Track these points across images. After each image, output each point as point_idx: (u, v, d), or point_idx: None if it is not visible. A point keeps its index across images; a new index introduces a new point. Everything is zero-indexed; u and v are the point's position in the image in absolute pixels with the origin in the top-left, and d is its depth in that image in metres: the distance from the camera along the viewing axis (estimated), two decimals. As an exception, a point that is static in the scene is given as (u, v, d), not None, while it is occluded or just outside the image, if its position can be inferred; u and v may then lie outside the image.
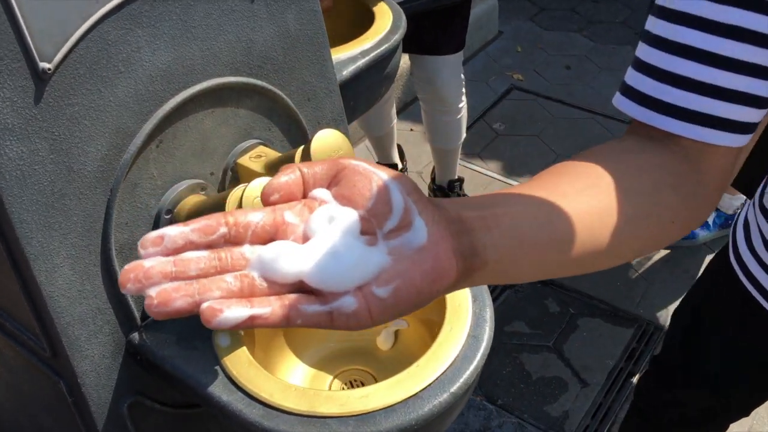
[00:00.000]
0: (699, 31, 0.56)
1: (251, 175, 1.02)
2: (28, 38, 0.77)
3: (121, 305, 0.98)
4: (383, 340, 1.17)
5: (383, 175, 0.47)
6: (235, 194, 0.89)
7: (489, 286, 1.04)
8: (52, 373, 1.00)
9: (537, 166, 2.58)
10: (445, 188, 2.30)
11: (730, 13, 0.54)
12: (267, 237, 0.46)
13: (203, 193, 1.03)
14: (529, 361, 1.90)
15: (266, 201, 0.47)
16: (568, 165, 0.60)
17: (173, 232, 0.44)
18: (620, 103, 0.63)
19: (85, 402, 0.99)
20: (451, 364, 0.94)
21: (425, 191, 2.49)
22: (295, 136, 1.13)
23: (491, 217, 0.50)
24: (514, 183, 2.52)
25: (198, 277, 0.44)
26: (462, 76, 2.04)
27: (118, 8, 0.84)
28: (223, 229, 0.45)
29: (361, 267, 0.45)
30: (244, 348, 0.97)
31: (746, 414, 1.13)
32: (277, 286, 0.45)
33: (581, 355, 1.90)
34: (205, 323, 0.43)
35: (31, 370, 1.08)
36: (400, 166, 2.37)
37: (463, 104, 2.09)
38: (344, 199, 0.47)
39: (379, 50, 1.38)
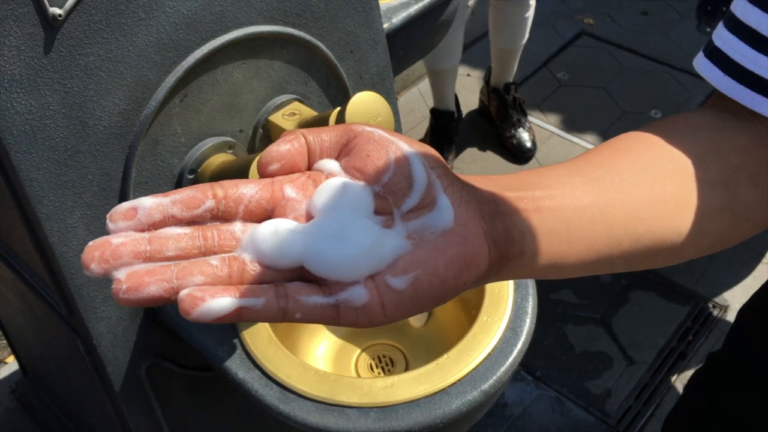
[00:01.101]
0: None
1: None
2: (36, -20, 0.69)
3: (140, 267, 0.93)
4: (417, 316, 1.10)
5: (402, 144, 0.39)
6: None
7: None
8: (69, 329, 0.97)
9: (601, 122, 2.42)
10: (501, 90, 2.28)
11: None
12: (263, 214, 0.39)
13: (231, 152, 0.95)
14: (574, 333, 1.81)
15: (264, 172, 0.40)
16: (631, 139, 0.50)
17: (149, 203, 0.38)
18: (702, 67, 0.52)
19: (101, 362, 0.96)
20: (484, 359, 0.86)
21: (478, 98, 2.39)
22: (334, 92, 1.03)
23: (531, 199, 0.42)
24: (576, 140, 2.37)
25: (177, 258, 0.37)
26: None
27: (138, -53, 0.75)
28: (210, 203, 0.38)
29: (375, 252, 0.37)
30: (266, 324, 0.91)
31: None
32: (273, 273, 0.37)
33: (630, 330, 1.80)
34: (183, 314, 0.35)
35: (53, 321, 1.06)
36: (455, 114, 2.25)
37: (534, 2, 2.11)
38: (356, 172, 0.39)
39: (433, -3, 1.25)
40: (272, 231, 0.37)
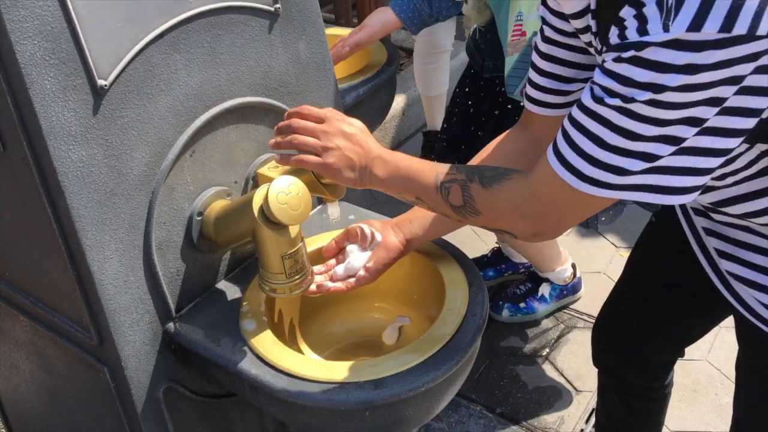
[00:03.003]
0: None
1: (270, 182, 1.16)
2: (90, 59, 0.92)
3: (160, 297, 1.11)
4: (388, 336, 1.30)
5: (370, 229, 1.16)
6: (260, 192, 1.03)
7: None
8: (96, 361, 1.12)
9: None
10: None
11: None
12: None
13: (229, 198, 1.17)
14: (525, 372, 2.01)
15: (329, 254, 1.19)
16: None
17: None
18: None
19: (126, 386, 1.10)
20: (452, 337, 1.06)
21: None
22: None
23: (408, 220, 1.16)
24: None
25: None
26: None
27: (160, 36, 1.00)
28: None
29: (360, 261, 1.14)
30: (269, 331, 1.10)
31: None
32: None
33: (573, 364, 2.02)
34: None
35: (72, 365, 1.20)
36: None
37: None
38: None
39: (377, 80, 1.55)
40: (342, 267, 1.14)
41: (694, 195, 0.76)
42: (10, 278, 1.20)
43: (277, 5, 1.14)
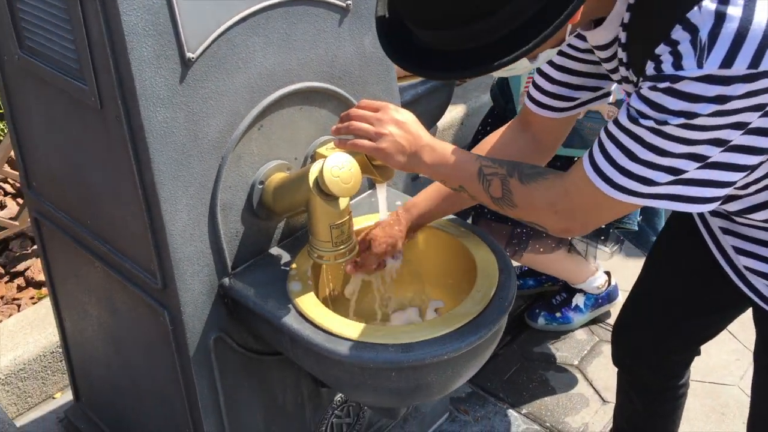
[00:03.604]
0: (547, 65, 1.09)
1: (326, 160, 1.28)
2: (182, 34, 1.06)
3: (219, 253, 1.23)
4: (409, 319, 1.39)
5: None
6: (317, 165, 1.15)
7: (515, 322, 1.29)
8: (158, 305, 1.25)
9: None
10: None
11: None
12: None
13: (288, 171, 1.29)
14: (555, 379, 2.06)
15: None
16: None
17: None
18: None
19: (182, 331, 1.23)
20: (479, 315, 1.15)
21: None
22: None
23: (413, 204, 1.27)
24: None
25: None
26: None
27: (243, 19, 1.13)
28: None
29: None
30: (312, 293, 1.21)
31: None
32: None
33: (603, 376, 2.06)
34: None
35: (137, 309, 1.34)
36: None
37: None
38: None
39: (435, 83, 1.65)
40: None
41: (716, 204, 0.84)
42: (91, 226, 1.34)
43: (349, 1, 1.26)
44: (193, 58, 1.08)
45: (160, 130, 1.08)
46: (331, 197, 1.15)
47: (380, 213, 1.29)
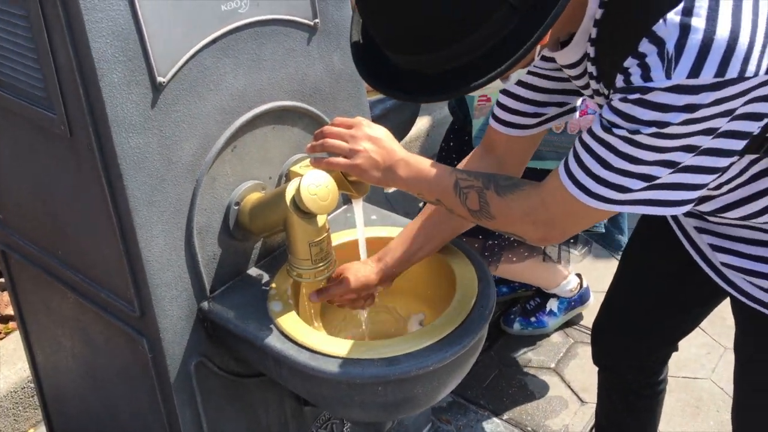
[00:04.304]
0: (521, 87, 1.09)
1: (301, 179, 1.28)
2: (152, 58, 1.05)
3: (197, 277, 1.22)
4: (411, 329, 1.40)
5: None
6: (293, 183, 1.15)
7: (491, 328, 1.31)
8: (136, 333, 1.23)
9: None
10: None
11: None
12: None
13: (263, 191, 1.29)
14: (533, 383, 2.09)
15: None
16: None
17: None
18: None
19: (162, 357, 1.21)
20: (461, 324, 1.16)
21: None
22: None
23: (386, 251, 1.25)
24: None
25: None
26: None
27: (212, 42, 1.13)
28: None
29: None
30: (293, 312, 1.20)
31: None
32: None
33: (580, 377, 2.09)
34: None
35: (113, 339, 1.32)
36: None
37: None
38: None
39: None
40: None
41: (689, 206, 0.86)
42: (62, 256, 1.32)
43: (316, 20, 1.27)
44: (163, 82, 1.08)
45: (133, 156, 1.07)
46: (308, 215, 1.15)
47: (357, 228, 1.29)
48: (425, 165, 1.07)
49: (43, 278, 1.39)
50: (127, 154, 1.07)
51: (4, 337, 1.98)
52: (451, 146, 2.00)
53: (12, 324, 2.01)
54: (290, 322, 1.18)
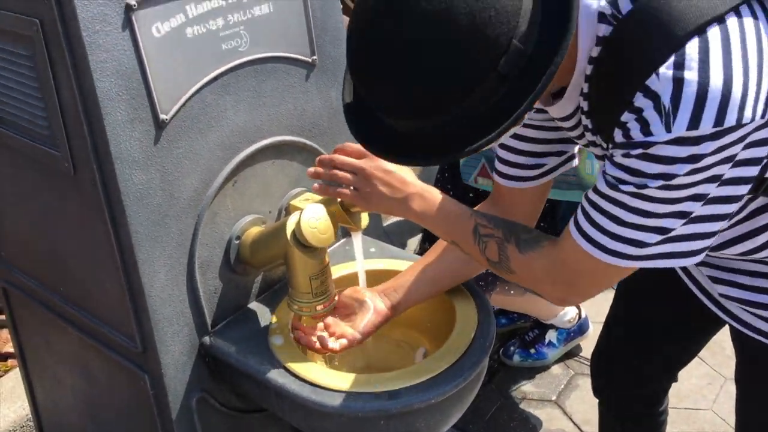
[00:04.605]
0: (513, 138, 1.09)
1: (301, 212, 1.29)
2: (155, 96, 1.07)
3: (198, 311, 1.22)
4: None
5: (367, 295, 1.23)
6: (293, 217, 1.16)
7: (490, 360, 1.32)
8: (138, 369, 1.23)
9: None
10: None
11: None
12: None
13: (263, 225, 1.30)
14: (534, 416, 2.07)
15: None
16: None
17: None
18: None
19: (164, 393, 1.21)
20: (462, 356, 1.16)
21: None
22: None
23: (396, 286, 1.23)
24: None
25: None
26: None
27: (214, 79, 1.15)
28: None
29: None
30: (295, 346, 1.21)
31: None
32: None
33: (581, 409, 2.08)
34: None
35: (115, 375, 1.31)
36: None
37: None
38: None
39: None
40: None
41: (704, 254, 0.87)
42: (64, 293, 1.32)
43: (314, 57, 1.29)
44: (166, 119, 1.10)
45: (136, 193, 1.09)
46: (309, 248, 1.16)
47: (357, 261, 1.30)
48: (442, 203, 1.04)
49: (45, 315, 1.40)
50: (130, 190, 1.08)
51: (2, 375, 1.97)
52: (446, 177, 2.02)
53: (11, 362, 2.00)
54: (291, 356, 1.18)
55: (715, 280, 1.07)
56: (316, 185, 1.13)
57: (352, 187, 1.08)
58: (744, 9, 0.79)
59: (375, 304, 1.21)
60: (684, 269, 1.13)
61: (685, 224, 0.82)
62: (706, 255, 1.08)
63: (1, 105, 1.21)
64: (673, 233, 0.83)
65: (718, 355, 2.17)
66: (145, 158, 1.09)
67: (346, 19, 1.41)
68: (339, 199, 1.14)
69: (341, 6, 1.37)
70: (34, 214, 1.30)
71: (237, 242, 1.26)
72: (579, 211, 0.89)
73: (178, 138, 1.13)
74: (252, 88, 1.22)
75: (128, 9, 1.01)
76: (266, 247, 1.24)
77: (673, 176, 0.78)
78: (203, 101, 1.15)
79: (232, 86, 1.18)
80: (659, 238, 0.83)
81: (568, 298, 0.98)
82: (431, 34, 0.74)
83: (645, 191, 0.80)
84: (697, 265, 1.10)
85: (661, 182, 0.78)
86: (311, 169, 1.13)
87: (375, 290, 1.24)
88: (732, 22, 0.77)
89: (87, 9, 0.97)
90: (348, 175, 1.08)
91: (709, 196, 0.81)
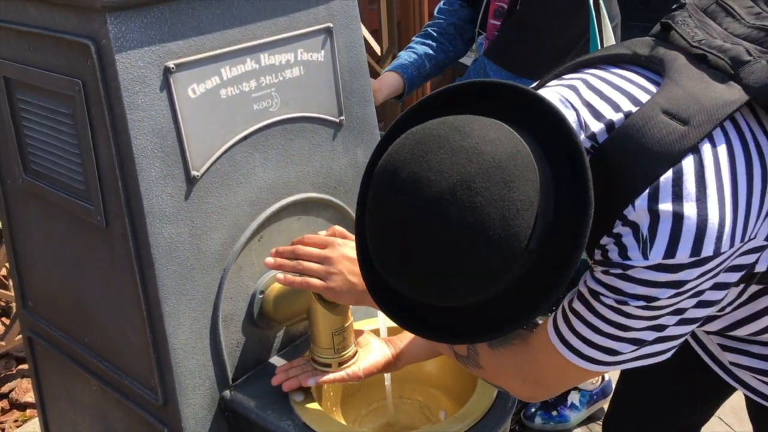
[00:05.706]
0: None
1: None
2: (188, 154, 1.11)
3: (220, 365, 1.23)
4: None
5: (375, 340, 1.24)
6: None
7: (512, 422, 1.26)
8: (158, 422, 1.23)
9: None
10: None
11: None
12: None
13: (288, 281, 1.31)
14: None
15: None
16: None
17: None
18: None
19: (183, 448, 1.21)
20: (482, 417, 1.15)
21: None
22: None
23: (402, 337, 1.23)
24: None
25: None
26: None
27: (244, 138, 1.19)
28: None
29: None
30: (315, 402, 1.20)
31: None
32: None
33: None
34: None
35: (135, 427, 1.31)
36: None
37: None
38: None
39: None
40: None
41: (674, 351, 0.88)
42: (88, 343, 1.34)
43: (342, 117, 1.33)
44: (198, 176, 1.13)
45: (165, 246, 1.11)
46: (332, 304, 1.17)
47: (379, 317, 1.31)
48: None
49: (67, 365, 1.41)
50: (159, 244, 1.10)
51: (21, 425, 1.97)
52: None
53: (30, 412, 2.00)
54: (312, 413, 1.18)
55: (726, 348, 1.06)
56: (280, 276, 1.14)
57: (317, 279, 1.08)
58: (718, 135, 0.79)
59: (380, 348, 1.23)
60: (694, 337, 1.13)
61: (659, 334, 0.83)
62: (715, 335, 1.07)
63: (39, 160, 1.25)
64: (647, 342, 0.84)
65: (740, 414, 2.12)
66: (176, 213, 1.12)
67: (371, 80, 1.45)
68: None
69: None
70: (62, 265, 1.32)
71: (261, 296, 1.27)
72: (559, 314, 0.89)
73: (208, 194, 1.16)
74: (281, 147, 1.25)
75: (167, 71, 1.05)
76: (290, 301, 1.25)
77: (655, 299, 0.79)
78: (233, 158, 1.18)
79: (261, 144, 1.22)
80: (633, 347, 0.84)
81: (536, 395, 0.97)
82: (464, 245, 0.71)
83: (625, 308, 0.81)
84: (707, 333, 1.09)
85: (642, 303, 0.79)
86: (269, 260, 1.14)
87: (382, 338, 1.27)
88: (707, 150, 0.78)
89: (128, 71, 1.01)
90: (313, 266, 1.09)
91: (688, 308, 0.82)
